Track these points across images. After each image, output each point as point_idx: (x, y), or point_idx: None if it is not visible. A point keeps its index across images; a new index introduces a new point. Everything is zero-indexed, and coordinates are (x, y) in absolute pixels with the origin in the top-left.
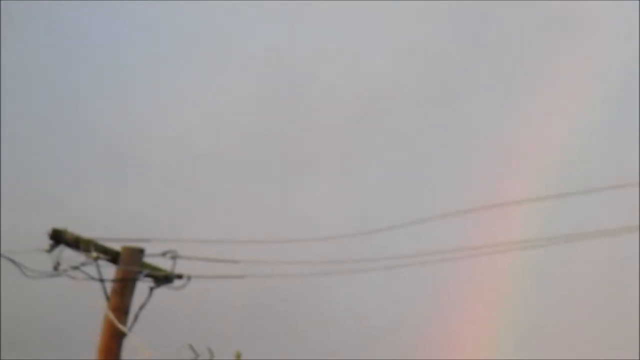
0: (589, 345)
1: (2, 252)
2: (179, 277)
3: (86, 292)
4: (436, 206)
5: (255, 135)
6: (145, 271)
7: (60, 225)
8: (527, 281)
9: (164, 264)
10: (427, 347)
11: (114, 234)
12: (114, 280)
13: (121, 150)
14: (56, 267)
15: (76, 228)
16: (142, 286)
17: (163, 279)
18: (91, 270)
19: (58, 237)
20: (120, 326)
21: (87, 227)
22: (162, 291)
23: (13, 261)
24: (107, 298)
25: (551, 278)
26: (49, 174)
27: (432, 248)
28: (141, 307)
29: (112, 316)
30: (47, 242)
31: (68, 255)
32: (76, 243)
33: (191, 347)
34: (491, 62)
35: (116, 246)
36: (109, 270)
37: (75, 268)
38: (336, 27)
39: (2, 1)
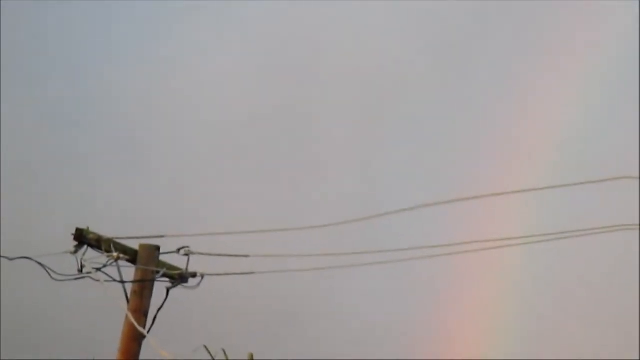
0: (588, 344)
1: (30, 256)
2: (193, 275)
3: (103, 292)
4: (452, 191)
5: (263, 120)
6: (162, 270)
7: (66, 222)
8: (528, 276)
9: (173, 261)
10: (437, 342)
11: (120, 229)
12: (134, 282)
13: (127, 143)
14: (80, 269)
15: (85, 225)
16: (156, 284)
17: (179, 278)
18: (109, 270)
19: (81, 238)
20: (140, 329)
21: (96, 224)
22: (175, 290)
23: (41, 264)
24: (128, 300)
25: (552, 273)
26: (54, 170)
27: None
28: (159, 309)
29: (132, 319)
30: (55, 240)
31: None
32: (98, 243)
33: (206, 348)
34: (500, 42)
35: (126, 243)
36: (124, 270)
37: (98, 269)
38: (345, 2)
39: None
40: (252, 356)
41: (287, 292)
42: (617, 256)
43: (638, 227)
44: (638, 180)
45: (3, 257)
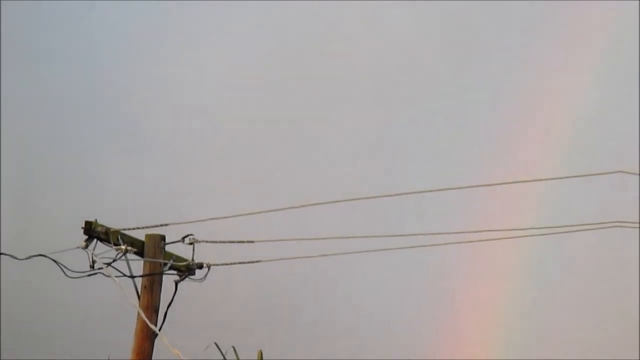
0: (588, 342)
1: (45, 253)
2: (200, 266)
3: (114, 288)
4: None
5: (272, 104)
6: (170, 262)
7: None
8: (522, 269)
9: (178, 252)
10: (438, 334)
11: (122, 220)
12: (144, 275)
13: (129, 132)
14: (92, 265)
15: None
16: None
17: (186, 270)
18: (118, 264)
19: (90, 231)
20: (153, 327)
21: (96, 215)
22: (182, 285)
23: (56, 262)
24: (138, 295)
25: (547, 266)
26: (53, 161)
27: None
28: (169, 304)
29: (144, 317)
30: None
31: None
32: (106, 235)
33: (217, 346)
34: (512, 34)
35: (130, 234)
36: (132, 264)
37: (108, 264)
38: None
39: None
40: (261, 353)
41: (294, 287)
42: (613, 251)
43: (638, 224)
44: (635, 175)
45: (12, 256)
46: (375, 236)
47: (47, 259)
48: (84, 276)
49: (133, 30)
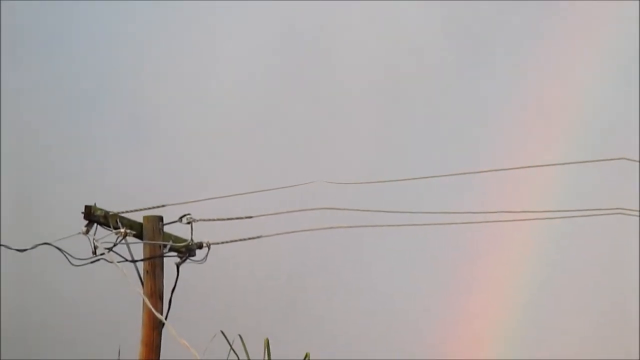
0: (587, 332)
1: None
2: (199, 246)
3: (117, 274)
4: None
5: (273, 90)
6: (169, 243)
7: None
8: (520, 255)
9: (177, 234)
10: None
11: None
12: (145, 259)
13: (126, 116)
14: (94, 251)
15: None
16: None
17: (186, 251)
18: (119, 249)
19: (90, 215)
20: (159, 316)
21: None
22: (185, 273)
23: (60, 250)
24: (142, 282)
25: (554, 251)
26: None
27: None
28: (173, 289)
29: (150, 305)
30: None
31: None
32: (105, 219)
33: (224, 334)
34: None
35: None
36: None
37: (109, 249)
38: None
39: None
40: (267, 341)
41: (300, 275)
42: (616, 238)
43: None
44: (637, 162)
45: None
46: (382, 211)
47: (46, 250)
48: (87, 263)
49: (140, 20)
